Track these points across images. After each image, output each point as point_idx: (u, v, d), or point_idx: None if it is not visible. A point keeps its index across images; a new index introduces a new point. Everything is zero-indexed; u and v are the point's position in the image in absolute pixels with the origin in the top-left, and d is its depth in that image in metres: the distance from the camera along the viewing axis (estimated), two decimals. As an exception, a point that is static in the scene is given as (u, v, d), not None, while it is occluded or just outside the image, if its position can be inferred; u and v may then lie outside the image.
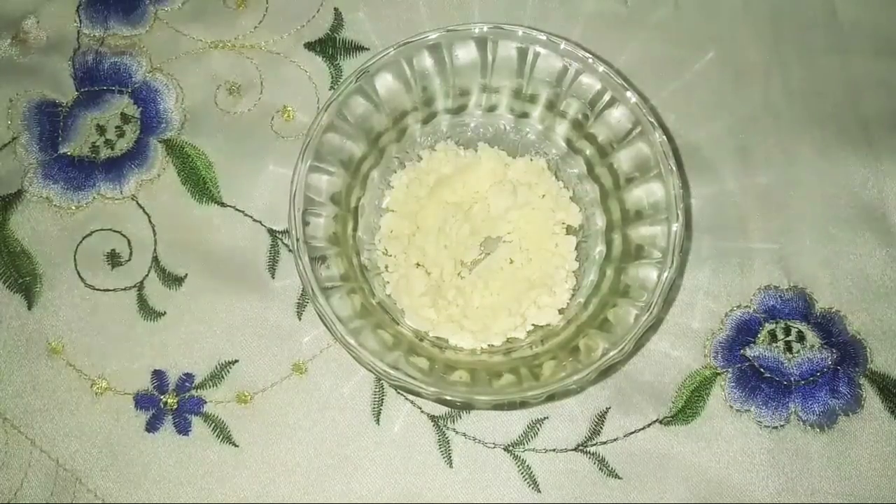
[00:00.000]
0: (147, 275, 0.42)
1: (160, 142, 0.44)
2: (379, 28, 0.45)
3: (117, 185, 0.43)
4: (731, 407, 0.40)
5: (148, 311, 0.41)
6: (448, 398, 0.34)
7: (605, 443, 0.40)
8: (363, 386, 0.40)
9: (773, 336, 0.41)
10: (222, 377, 0.40)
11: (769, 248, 0.42)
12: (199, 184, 0.43)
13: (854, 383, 0.40)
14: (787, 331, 0.41)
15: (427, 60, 0.38)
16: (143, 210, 0.43)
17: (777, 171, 0.43)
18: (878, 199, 0.43)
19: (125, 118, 0.44)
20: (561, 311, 0.39)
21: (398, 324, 0.38)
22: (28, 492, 0.39)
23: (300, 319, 0.41)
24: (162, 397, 0.40)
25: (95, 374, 0.41)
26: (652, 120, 0.36)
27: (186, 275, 0.42)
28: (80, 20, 0.46)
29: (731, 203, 0.43)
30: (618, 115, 0.38)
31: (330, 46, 0.45)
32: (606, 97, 0.38)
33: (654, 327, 0.41)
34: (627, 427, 0.40)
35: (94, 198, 0.43)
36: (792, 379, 0.40)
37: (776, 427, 0.40)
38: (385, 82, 0.38)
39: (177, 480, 0.39)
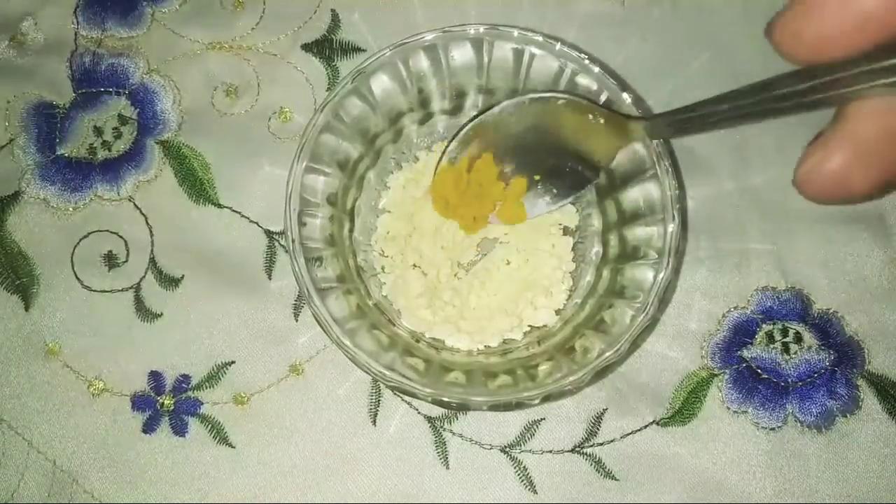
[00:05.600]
0: (144, 276, 0.42)
1: (157, 143, 0.44)
2: (375, 29, 0.45)
3: (114, 186, 0.43)
4: (729, 408, 0.40)
5: (145, 312, 0.41)
6: (444, 399, 0.34)
7: (601, 444, 0.40)
8: (360, 387, 0.40)
9: (770, 337, 0.41)
10: (219, 378, 0.40)
11: (766, 248, 0.42)
12: (196, 185, 0.43)
13: (852, 384, 0.40)
14: (785, 332, 0.41)
15: (423, 61, 0.38)
16: (140, 211, 0.43)
17: (774, 172, 0.43)
18: (876, 199, 0.43)
19: (122, 119, 0.44)
20: (557, 312, 0.39)
21: (394, 325, 0.38)
22: (25, 493, 0.39)
23: (297, 321, 0.41)
24: (159, 398, 0.40)
25: (92, 376, 0.41)
26: (648, 121, 0.36)
27: (183, 276, 0.42)
28: (78, 22, 0.46)
29: (727, 204, 0.43)
30: (614, 116, 0.38)
31: (327, 48, 0.45)
32: (603, 98, 0.37)
33: (650, 328, 0.41)
34: (624, 428, 0.40)
35: (91, 199, 0.43)
36: (789, 380, 0.40)
37: (773, 428, 0.40)
38: (381, 83, 0.38)
39: (173, 482, 0.39)
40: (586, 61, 0.37)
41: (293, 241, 0.35)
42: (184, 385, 0.40)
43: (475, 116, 0.37)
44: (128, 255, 0.42)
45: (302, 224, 0.36)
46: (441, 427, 0.40)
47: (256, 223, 0.43)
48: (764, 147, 0.44)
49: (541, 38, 0.37)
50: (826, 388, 0.40)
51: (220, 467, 0.39)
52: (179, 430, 0.40)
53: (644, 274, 0.36)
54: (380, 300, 0.39)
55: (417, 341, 0.38)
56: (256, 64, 0.45)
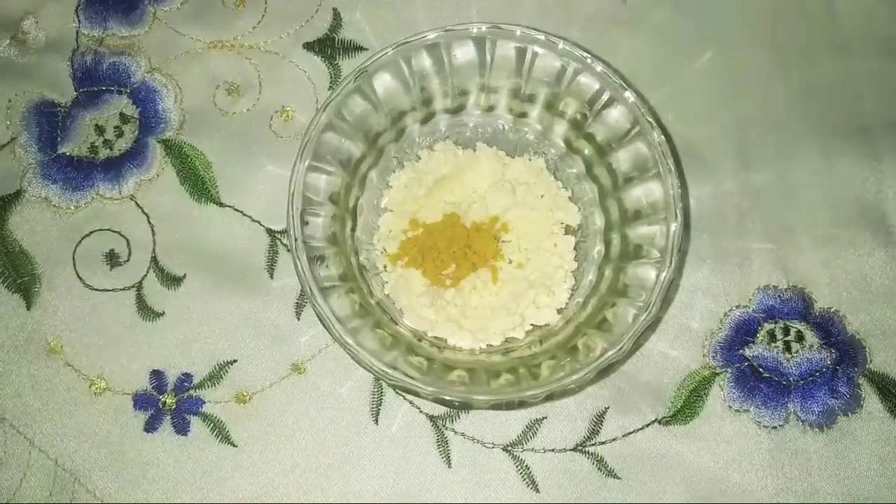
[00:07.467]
0: (146, 275, 0.42)
1: (159, 142, 0.44)
2: (377, 28, 0.46)
3: (116, 185, 0.43)
4: (730, 407, 0.40)
5: (147, 311, 0.41)
6: (446, 398, 0.34)
7: (603, 443, 0.40)
8: (362, 386, 0.40)
9: (772, 336, 0.41)
10: (221, 377, 0.40)
11: (768, 247, 0.42)
12: (198, 184, 0.43)
13: (853, 383, 0.40)
14: (787, 331, 0.41)
15: (425, 60, 0.38)
16: (142, 210, 0.43)
17: (776, 171, 0.43)
18: (878, 198, 0.43)
19: (124, 118, 0.44)
20: (559, 311, 0.39)
21: (397, 323, 0.38)
22: (27, 492, 0.39)
23: (299, 319, 0.41)
24: (160, 397, 0.40)
25: (94, 375, 0.41)
26: (650, 119, 0.36)
27: (185, 275, 0.42)
28: (79, 20, 0.46)
29: (729, 203, 0.43)
30: (616, 115, 0.38)
31: (329, 46, 0.45)
32: (605, 97, 0.38)
33: (652, 327, 0.41)
34: (626, 427, 0.40)
35: (92, 198, 0.43)
36: (791, 379, 0.40)
37: (775, 427, 0.40)
38: (383, 82, 0.38)
39: (175, 480, 0.39)
40: (589, 60, 0.37)
41: (296, 239, 0.35)
42: (185, 384, 0.40)
43: None
44: (129, 253, 0.42)
45: (304, 223, 0.36)
46: (443, 426, 0.40)
47: (258, 222, 0.43)
48: (766, 147, 0.44)
49: (543, 37, 0.37)
50: (827, 386, 0.40)
51: (221, 466, 0.39)
52: (181, 428, 0.40)
53: (646, 273, 0.36)
54: (382, 299, 0.39)
55: (420, 340, 0.38)
56: (258, 63, 0.45)
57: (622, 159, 0.38)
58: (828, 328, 0.41)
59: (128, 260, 0.42)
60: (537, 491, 0.39)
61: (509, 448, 0.40)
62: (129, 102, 0.45)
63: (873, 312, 0.41)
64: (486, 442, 0.40)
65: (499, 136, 0.42)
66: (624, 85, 0.37)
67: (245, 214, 0.43)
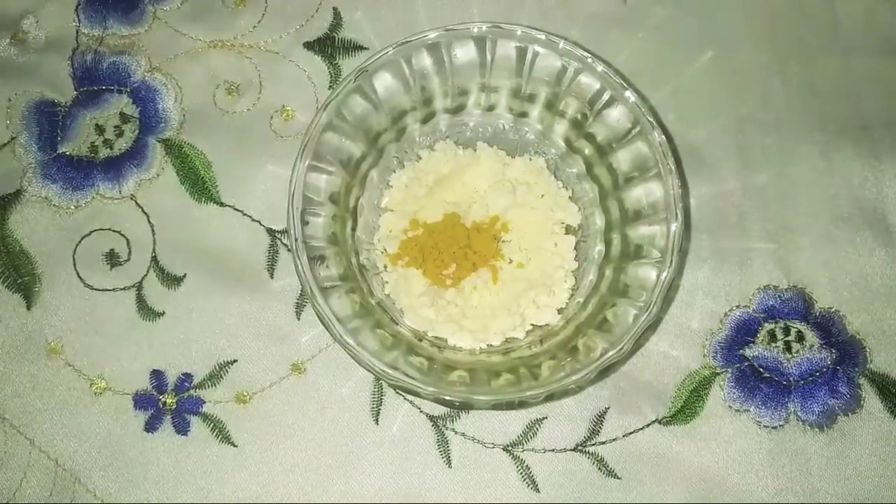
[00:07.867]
0: (146, 275, 0.42)
1: (159, 141, 0.44)
2: (378, 27, 0.46)
3: (116, 184, 0.43)
4: (731, 407, 0.40)
5: (147, 310, 0.41)
6: (447, 398, 0.34)
7: (604, 443, 0.40)
8: (362, 386, 0.40)
9: (772, 336, 0.41)
10: (221, 377, 0.40)
11: (768, 247, 0.42)
12: (198, 183, 0.43)
13: (853, 383, 0.40)
14: (787, 331, 0.41)
15: (426, 60, 0.38)
16: (142, 210, 0.43)
17: (776, 171, 0.43)
18: (878, 198, 0.43)
19: (124, 118, 0.44)
20: (560, 311, 0.39)
21: (397, 323, 0.38)
22: (27, 491, 0.39)
23: (299, 319, 0.41)
24: (161, 397, 0.40)
25: (94, 374, 0.41)
26: (651, 119, 0.36)
27: (185, 274, 0.42)
28: (79, 20, 0.46)
29: (730, 203, 0.43)
30: (617, 115, 0.38)
31: (329, 46, 0.45)
32: (605, 96, 0.38)
33: (653, 327, 0.41)
34: (626, 427, 0.40)
35: (92, 197, 0.43)
36: (791, 379, 0.40)
37: (775, 427, 0.40)
38: (384, 82, 0.38)
39: (175, 480, 0.39)
40: (589, 60, 0.37)
41: (296, 239, 0.35)
42: (186, 384, 0.40)
43: None
44: (129, 253, 0.42)
45: (305, 223, 0.36)
46: (443, 426, 0.40)
47: (258, 222, 0.43)
48: (766, 147, 0.44)
49: (544, 37, 0.37)
50: (828, 386, 0.40)
51: (222, 466, 0.39)
52: (181, 428, 0.40)
53: (647, 273, 0.36)
54: (382, 299, 0.39)
55: (420, 340, 0.38)
56: (258, 62, 0.45)
57: (623, 159, 0.38)
58: (828, 328, 0.41)
59: (128, 260, 0.42)
60: (537, 491, 0.39)
61: (509, 448, 0.40)
62: (129, 102, 0.45)
63: (873, 312, 0.41)
64: (487, 442, 0.40)
65: (499, 136, 0.42)
66: (624, 85, 0.37)
67: (245, 214, 0.43)
